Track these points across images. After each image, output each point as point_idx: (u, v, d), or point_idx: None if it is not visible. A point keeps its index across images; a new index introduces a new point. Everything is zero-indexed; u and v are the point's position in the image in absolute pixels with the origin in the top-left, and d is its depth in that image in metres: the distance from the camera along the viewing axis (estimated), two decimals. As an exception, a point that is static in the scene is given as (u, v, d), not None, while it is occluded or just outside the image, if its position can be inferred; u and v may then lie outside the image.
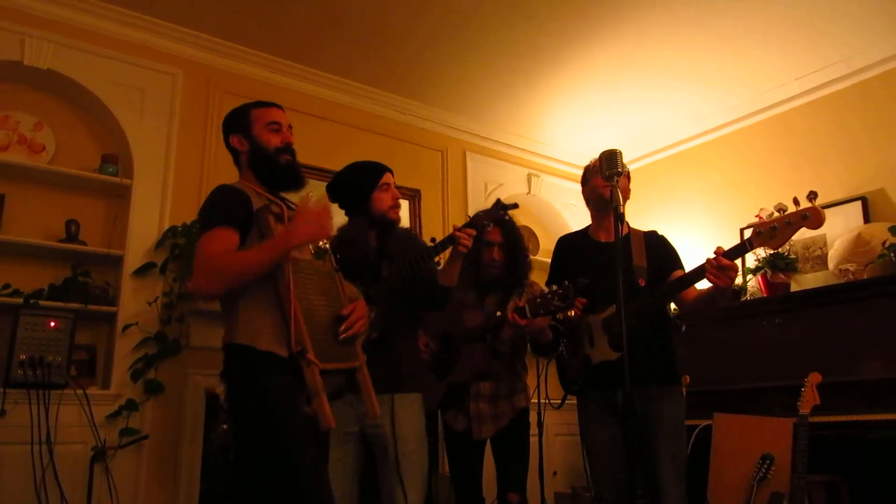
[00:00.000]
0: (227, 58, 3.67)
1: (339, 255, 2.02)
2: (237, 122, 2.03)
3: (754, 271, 3.87)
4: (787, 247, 3.84)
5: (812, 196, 1.95)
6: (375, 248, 2.41)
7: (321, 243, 1.86)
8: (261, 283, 1.78)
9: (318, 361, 1.70)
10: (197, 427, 3.19)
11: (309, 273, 1.86)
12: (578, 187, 5.07)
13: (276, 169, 1.97)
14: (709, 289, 2.20)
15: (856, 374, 3.11)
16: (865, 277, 3.38)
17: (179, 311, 3.18)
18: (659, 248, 2.51)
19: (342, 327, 1.84)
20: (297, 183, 2.01)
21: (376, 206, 2.41)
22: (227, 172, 3.48)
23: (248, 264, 1.75)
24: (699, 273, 2.19)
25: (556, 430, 4.24)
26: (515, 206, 2.49)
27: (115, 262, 3.20)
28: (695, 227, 4.43)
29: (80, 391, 2.86)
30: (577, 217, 4.51)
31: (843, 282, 3.46)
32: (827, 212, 3.78)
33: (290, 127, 2.05)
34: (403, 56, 3.80)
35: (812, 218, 1.99)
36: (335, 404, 1.76)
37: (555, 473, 4.26)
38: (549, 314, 2.35)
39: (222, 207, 1.84)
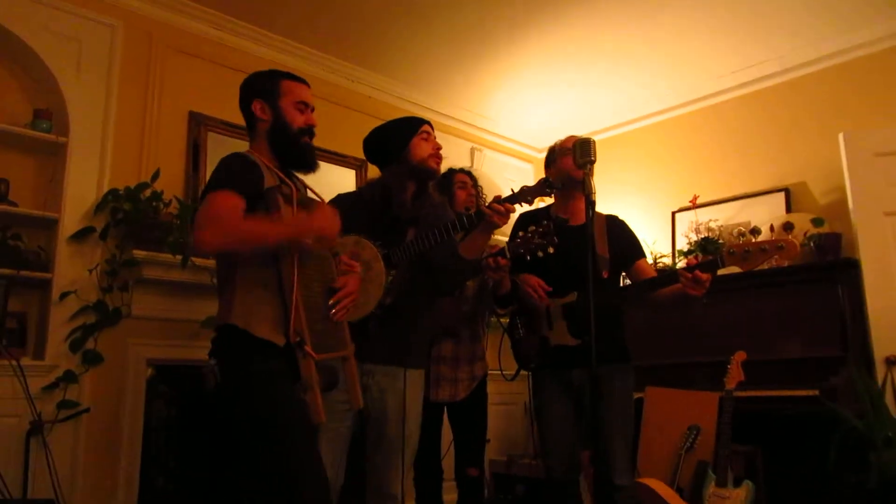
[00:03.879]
0: (170, 11, 3.46)
1: (367, 209, 1.93)
2: (263, 88, 1.94)
3: (686, 254, 4.09)
4: (716, 231, 4.08)
5: (788, 227, 2.05)
6: (408, 206, 2.28)
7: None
8: (261, 265, 1.74)
9: (314, 353, 1.70)
10: (138, 399, 3.08)
11: (310, 258, 1.83)
12: (519, 163, 5.27)
13: (295, 148, 1.92)
14: (680, 293, 2.27)
15: (777, 353, 3.38)
16: (787, 265, 3.65)
17: (123, 278, 3.03)
18: (621, 235, 2.57)
19: (331, 301, 1.82)
20: (310, 166, 1.96)
21: (415, 153, 2.27)
22: (170, 134, 3.40)
23: (254, 232, 1.70)
24: (671, 279, 2.29)
25: (491, 398, 4.36)
26: (563, 186, 2.37)
27: (50, 226, 3.00)
28: (629, 210, 4.60)
29: (13, 362, 2.70)
30: (518, 193, 4.60)
31: (767, 268, 3.72)
32: (752, 200, 4.14)
33: (313, 109, 1.99)
34: (356, 23, 3.71)
35: (787, 249, 2.09)
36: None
37: (488, 441, 4.40)
38: (529, 252, 2.22)
39: (237, 174, 1.77)
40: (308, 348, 1.70)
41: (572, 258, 2.24)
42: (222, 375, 1.75)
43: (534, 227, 2.21)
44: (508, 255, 2.24)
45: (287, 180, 1.90)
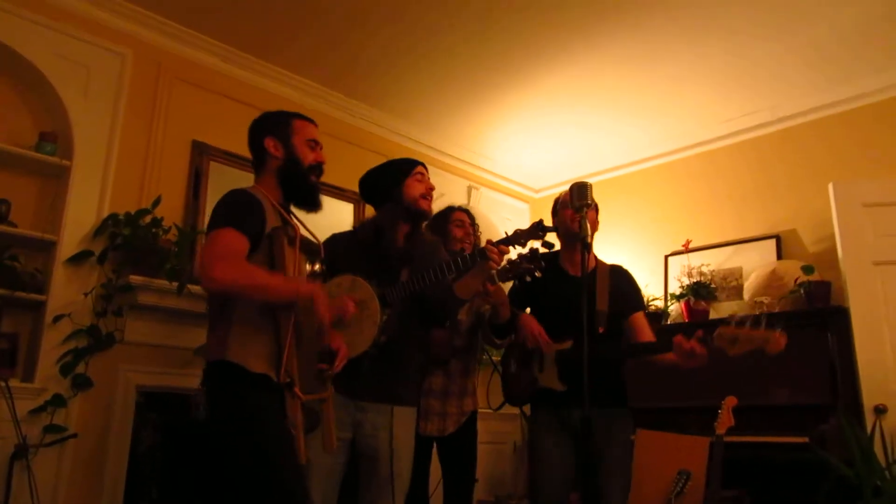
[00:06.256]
0: (180, 42, 3.54)
1: (362, 249, 1.97)
2: (276, 127, 2.01)
3: (678, 297, 4.13)
4: (708, 275, 4.13)
5: (774, 323, 2.11)
6: (402, 245, 2.34)
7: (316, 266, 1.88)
8: (258, 305, 1.78)
9: (302, 395, 1.74)
10: (125, 426, 3.05)
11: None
12: (516, 202, 5.32)
13: (303, 185, 1.97)
14: (671, 361, 2.32)
15: (767, 400, 3.38)
16: (777, 311, 3.69)
17: (118, 303, 3.03)
18: (623, 286, 2.60)
19: (324, 365, 1.88)
20: (315, 206, 2.02)
21: (408, 194, 2.34)
22: (172, 162, 3.44)
23: (256, 284, 1.74)
24: (665, 347, 2.32)
25: (480, 437, 4.33)
26: (555, 228, 2.43)
27: (48, 248, 3.02)
28: (623, 252, 4.65)
29: (2, 383, 2.68)
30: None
31: (757, 313, 3.75)
32: (744, 246, 4.20)
33: (321, 147, 2.06)
34: (361, 60, 3.80)
35: (772, 343, 2.14)
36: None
37: (476, 480, 4.36)
38: (517, 278, 2.30)
39: (242, 213, 1.81)
40: (297, 390, 1.74)
41: (571, 307, 2.28)
42: (215, 407, 1.76)
43: (521, 253, 2.27)
44: (497, 280, 2.34)
45: (290, 220, 1.95)
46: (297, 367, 1.77)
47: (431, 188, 2.42)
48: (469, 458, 2.75)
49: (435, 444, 2.77)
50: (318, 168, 2.01)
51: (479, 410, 2.90)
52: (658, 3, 3.21)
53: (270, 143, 1.98)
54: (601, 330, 2.44)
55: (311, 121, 2.09)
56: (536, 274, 2.25)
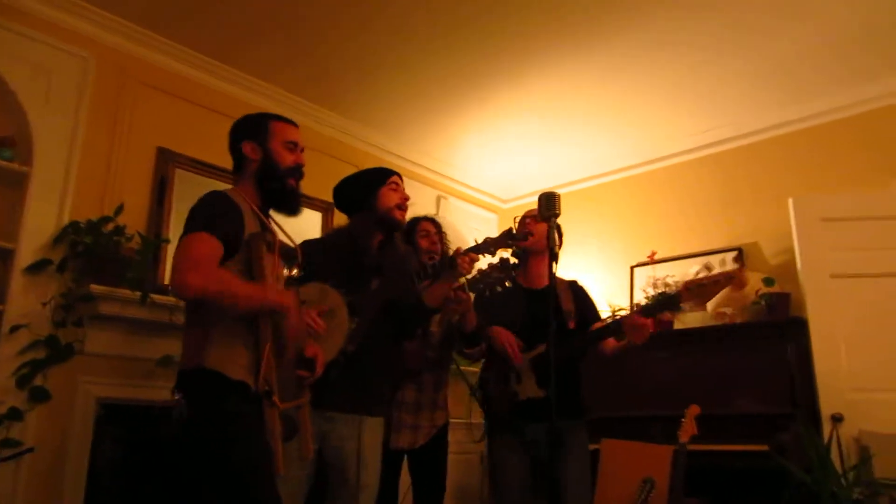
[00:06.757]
0: (146, 47, 3.48)
1: (333, 256, 1.97)
2: (254, 130, 1.97)
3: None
4: (672, 287, 4.19)
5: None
6: (374, 254, 2.33)
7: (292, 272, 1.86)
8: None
9: (280, 404, 1.71)
10: (85, 439, 2.97)
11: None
12: (484, 213, 5.35)
13: (281, 189, 1.94)
14: (624, 343, 2.39)
15: (729, 409, 3.45)
16: (739, 322, 3.77)
17: (78, 313, 2.96)
18: (582, 297, 2.71)
19: (305, 373, 1.86)
20: (294, 209, 1.98)
21: (382, 203, 2.34)
22: (136, 169, 3.38)
23: (227, 292, 1.70)
24: (616, 327, 2.39)
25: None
26: (526, 237, 2.45)
27: (5, 257, 2.92)
28: (589, 263, 4.72)
29: (-46, 397, 2.60)
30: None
31: (720, 324, 3.83)
32: (707, 258, 4.28)
33: (303, 149, 2.03)
34: (331, 68, 3.78)
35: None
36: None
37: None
38: (489, 287, 2.31)
39: (218, 217, 1.77)
40: (276, 398, 1.72)
41: (536, 317, 2.32)
42: (192, 414, 1.71)
43: (491, 263, 2.30)
44: (468, 289, 2.36)
45: (268, 224, 1.93)
46: (276, 374, 1.74)
47: (406, 198, 2.41)
48: (439, 471, 2.75)
49: (406, 457, 2.77)
50: (296, 170, 1.98)
51: (454, 421, 2.91)
52: (624, 18, 3.27)
53: (248, 147, 1.95)
54: (572, 325, 2.49)
55: (291, 122, 2.06)
56: (507, 283, 2.28)
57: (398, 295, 2.24)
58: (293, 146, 1.99)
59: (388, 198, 2.36)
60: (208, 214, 1.78)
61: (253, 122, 2.02)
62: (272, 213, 2.01)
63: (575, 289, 2.71)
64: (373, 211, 2.35)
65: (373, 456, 2.22)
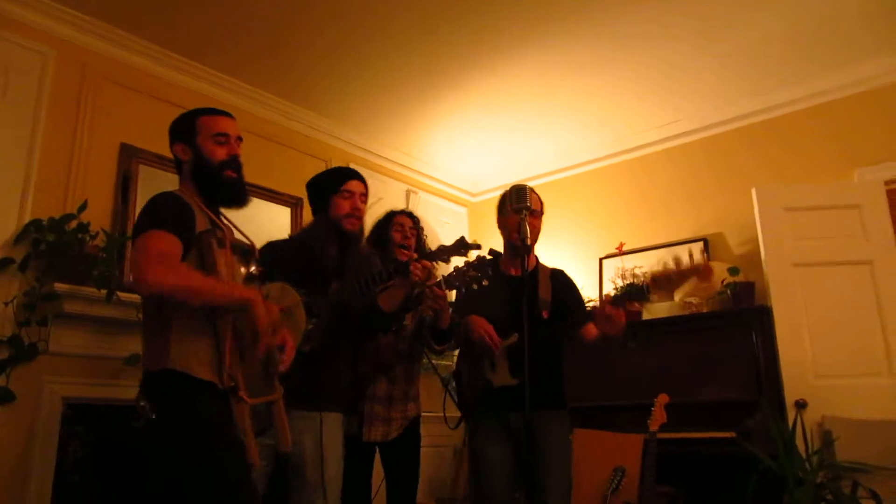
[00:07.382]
0: (108, 43, 3.41)
1: (293, 256, 1.96)
2: (182, 130, 1.95)
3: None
4: (640, 277, 4.25)
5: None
6: (334, 256, 2.34)
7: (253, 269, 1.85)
8: (196, 310, 1.72)
9: (248, 399, 1.70)
10: (51, 440, 2.91)
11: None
12: (454, 206, 5.35)
13: (218, 184, 1.90)
14: (602, 337, 2.42)
15: (697, 397, 3.51)
16: (706, 311, 3.84)
17: (42, 312, 2.90)
18: (564, 286, 2.70)
19: (274, 358, 1.84)
20: (239, 201, 1.95)
21: (333, 211, 2.36)
22: (99, 166, 3.32)
23: (193, 287, 1.67)
24: (587, 317, 2.42)
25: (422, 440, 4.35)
26: (478, 246, 2.46)
27: (-37, 256, 2.86)
28: (559, 254, 4.74)
29: (-87, 400, 2.53)
30: (452, 235, 4.63)
31: (687, 313, 3.90)
32: (674, 249, 4.34)
33: (239, 138, 1.98)
34: (299, 63, 3.75)
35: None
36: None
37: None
38: (465, 284, 2.34)
39: (171, 216, 1.75)
40: (242, 393, 1.70)
41: (512, 304, 2.33)
42: (161, 417, 1.69)
43: (468, 261, 2.33)
44: (444, 287, 2.38)
45: (219, 222, 1.90)
46: (241, 370, 1.73)
47: (360, 209, 2.42)
48: (412, 464, 2.75)
49: (378, 450, 2.77)
50: (231, 162, 1.93)
51: (426, 414, 2.91)
52: (592, 11, 3.30)
53: (178, 149, 1.94)
54: (545, 314, 2.50)
55: (222, 113, 2.01)
56: (484, 282, 2.30)
57: (351, 299, 2.27)
58: (223, 138, 1.94)
59: (339, 207, 2.38)
60: (162, 213, 1.76)
61: (181, 122, 2.00)
62: (224, 210, 1.99)
63: (556, 277, 2.71)
64: (327, 217, 2.38)
65: (333, 450, 2.23)
